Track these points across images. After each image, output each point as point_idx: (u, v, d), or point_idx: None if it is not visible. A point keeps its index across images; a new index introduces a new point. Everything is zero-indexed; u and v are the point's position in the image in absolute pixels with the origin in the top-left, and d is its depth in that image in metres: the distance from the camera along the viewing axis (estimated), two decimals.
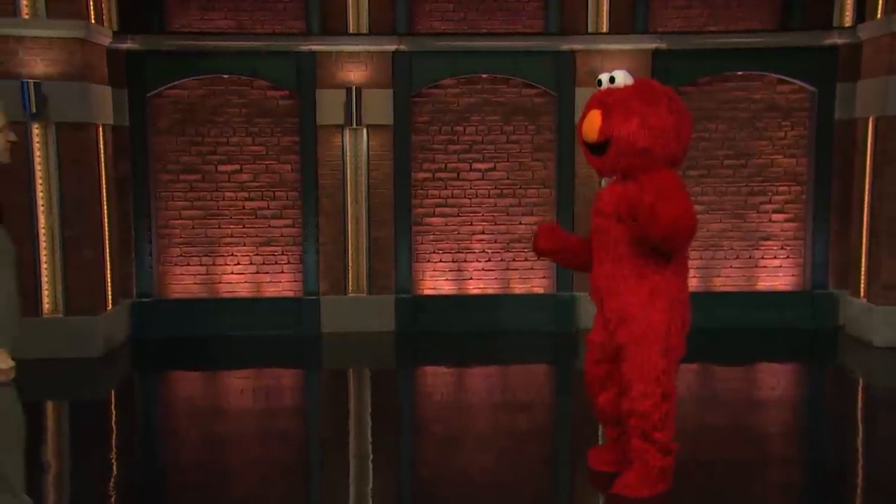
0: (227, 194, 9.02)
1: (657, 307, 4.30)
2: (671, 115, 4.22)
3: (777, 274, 9.29)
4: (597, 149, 4.25)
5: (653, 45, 8.80)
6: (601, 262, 4.37)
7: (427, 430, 6.11)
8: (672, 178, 4.02)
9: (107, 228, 8.26)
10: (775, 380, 7.55)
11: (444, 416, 6.40)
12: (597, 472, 4.83)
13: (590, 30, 8.93)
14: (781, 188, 9.21)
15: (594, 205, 4.50)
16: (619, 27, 8.93)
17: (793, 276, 9.28)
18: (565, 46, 8.80)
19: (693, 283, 9.14)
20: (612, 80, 4.27)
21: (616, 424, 4.67)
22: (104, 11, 8.22)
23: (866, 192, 8.51)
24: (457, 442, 5.68)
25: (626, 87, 4.25)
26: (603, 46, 8.79)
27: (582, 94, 8.77)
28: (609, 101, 4.20)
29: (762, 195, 9.22)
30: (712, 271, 9.29)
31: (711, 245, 9.27)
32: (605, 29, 8.92)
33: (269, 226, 9.09)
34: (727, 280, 9.29)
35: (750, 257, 9.29)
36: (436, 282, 9.22)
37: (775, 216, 9.25)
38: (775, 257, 9.29)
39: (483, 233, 9.21)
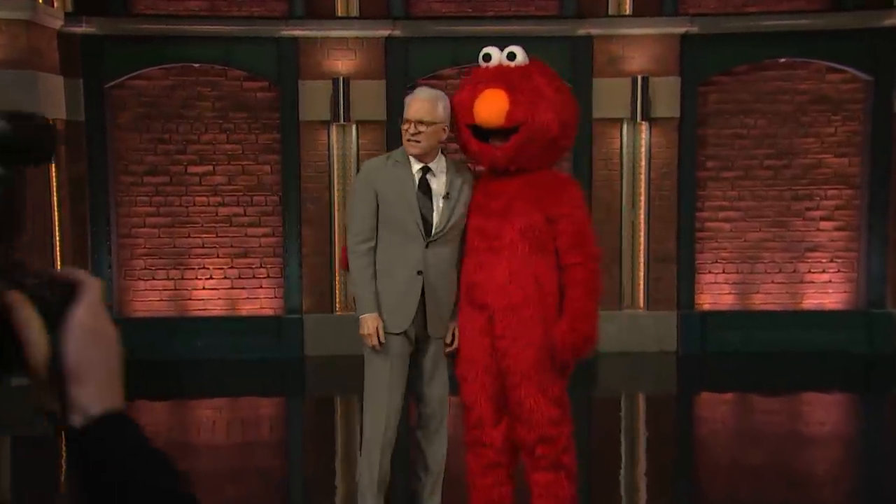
0: (199, 199, 8.90)
1: (555, 318, 4.14)
2: (575, 106, 4.30)
3: (826, 290, 9.11)
4: (491, 134, 4.09)
5: (682, 30, 8.65)
6: (489, 267, 4.14)
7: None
8: (587, 215, 4.25)
9: (58, 237, 8.11)
10: (825, 413, 7.41)
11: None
12: None
13: (611, 12, 8.77)
14: (831, 192, 9.02)
15: (473, 200, 4.26)
16: (645, 9, 8.75)
17: (844, 292, 9.11)
18: (582, 31, 8.66)
19: (728, 301, 9.11)
20: (511, 56, 4.16)
21: (502, 464, 4.30)
22: None
23: None
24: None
25: (527, 67, 4.17)
26: (625, 31, 8.65)
27: (601, 85, 8.62)
28: (513, 82, 4.08)
29: (808, 200, 9.04)
30: (751, 287, 9.11)
31: (750, 257, 9.09)
32: (628, 11, 8.75)
33: (246, 235, 8.99)
34: (768, 297, 9.13)
35: (794, 271, 9.11)
36: None
37: (824, 224, 9.07)
38: (824, 271, 9.10)
39: None
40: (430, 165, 4.11)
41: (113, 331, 1.00)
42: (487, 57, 4.19)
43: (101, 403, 0.97)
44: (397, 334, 4.11)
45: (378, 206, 4.08)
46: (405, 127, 4.09)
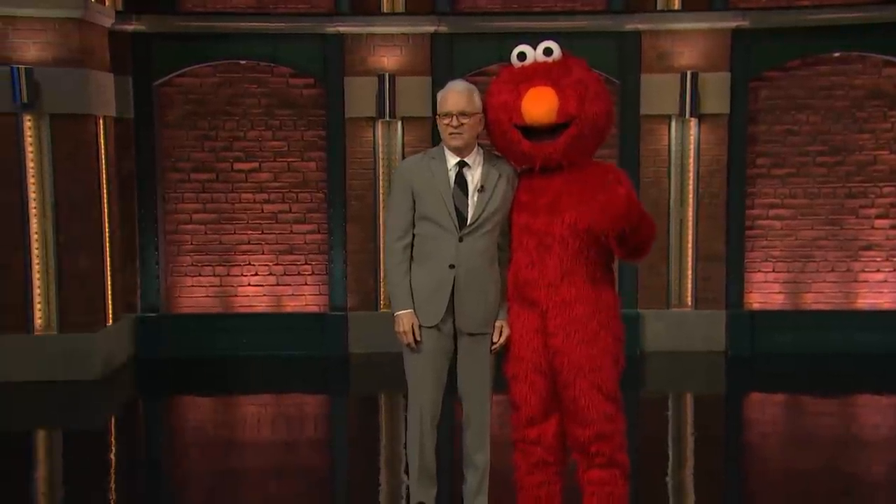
0: (244, 196, 8.99)
1: (612, 316, 4.19)
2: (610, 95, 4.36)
3: (881, 289, 9.00)
4: (542, 132, 4.11)
5: (733, 24, 8.59)
6: (540, 265, 4.17)
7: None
8: (635, 198, 4.07)
9: (107, 234, 8.24)
10: (880, 416, 7.28)
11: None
12: None
13: (659, 7, 8.73)
14: (886, 189, 8.92)
15: (517, 198, 4.27)
16: (694, 3, 8.70)
17: None
18: (630, 26, 8.64)
19: (779, 300, 9.05)
20: (548, 51, 4.15)
21: (550, 462, 4.32)
22: None
23: None
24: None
25: (565, 61, 4.17)
26: (674, 26, 8.60)
27: (649, 81, 8.63)
28: (557, 77, 4.09)
29: (863, 197, 8.95)
30: (803, 286, 9.04)
31: (802, 256, 9.02)
32: (677, 5, 8.70)
33: (292, 232, 9.06)
34: (820, 296, 9.05)
35: (848, 270, 9.02)
36: None
37: (878, 222, 8.97)
38: (878, 270, 9.00)
39: None
40: (467, 159, 4.16)
41: None
42: (522, 56, 4.19)
43: None
44: (430, 328, 4.18)
45: (414, 202, 4.16)
46: (446, 121, 4.13)
